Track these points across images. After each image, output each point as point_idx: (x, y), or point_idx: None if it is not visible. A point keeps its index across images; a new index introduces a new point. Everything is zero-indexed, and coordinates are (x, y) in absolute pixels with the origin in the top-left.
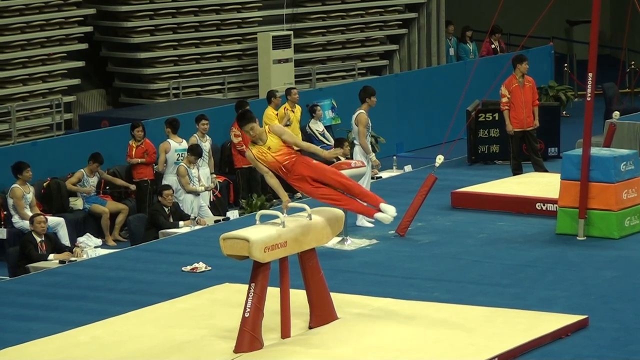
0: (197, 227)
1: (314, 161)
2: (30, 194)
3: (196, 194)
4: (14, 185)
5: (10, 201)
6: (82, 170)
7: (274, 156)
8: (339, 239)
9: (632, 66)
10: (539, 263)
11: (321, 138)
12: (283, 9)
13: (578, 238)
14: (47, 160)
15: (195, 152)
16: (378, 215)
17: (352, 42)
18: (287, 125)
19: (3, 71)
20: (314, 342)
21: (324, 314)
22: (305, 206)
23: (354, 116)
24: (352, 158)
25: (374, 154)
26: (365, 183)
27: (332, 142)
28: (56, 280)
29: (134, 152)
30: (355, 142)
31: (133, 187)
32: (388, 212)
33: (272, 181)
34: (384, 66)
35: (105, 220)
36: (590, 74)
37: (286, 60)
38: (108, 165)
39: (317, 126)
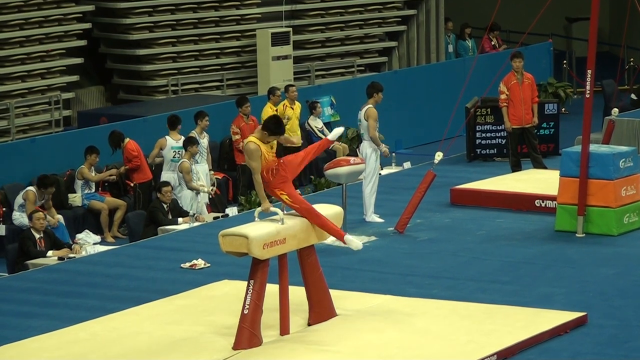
0: (196, 223)
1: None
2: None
3: (196, 191)
4: (28, 189)
5: (19, 200)
6: (83, 167)
7: (273, 156)
8: None
9: (631, 63)
10: (538, 260)
11: (320, 135)
12: (282, 6)
13: (577, 235)
14: (46, 157)
15: (193, 142)
16: (347, 237)
17: (351, 39)
18: (285, 123)
19: (1, 68)
20: (312, 339)
21: (323, 310)
22: None
23: (363, 111)
24: (357, 154)
25: (384, 145)
26: (372, 183)
27: None
28: (55, 277)
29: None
30: (363, 137)
31: (114, 175)
32: (351, 244)
33: (260, 180)
34: (383, 63)
35: (104, 217)
36: (589, 71)
37: (285, 57)
38: (107, 162)
39: (316, 123)
